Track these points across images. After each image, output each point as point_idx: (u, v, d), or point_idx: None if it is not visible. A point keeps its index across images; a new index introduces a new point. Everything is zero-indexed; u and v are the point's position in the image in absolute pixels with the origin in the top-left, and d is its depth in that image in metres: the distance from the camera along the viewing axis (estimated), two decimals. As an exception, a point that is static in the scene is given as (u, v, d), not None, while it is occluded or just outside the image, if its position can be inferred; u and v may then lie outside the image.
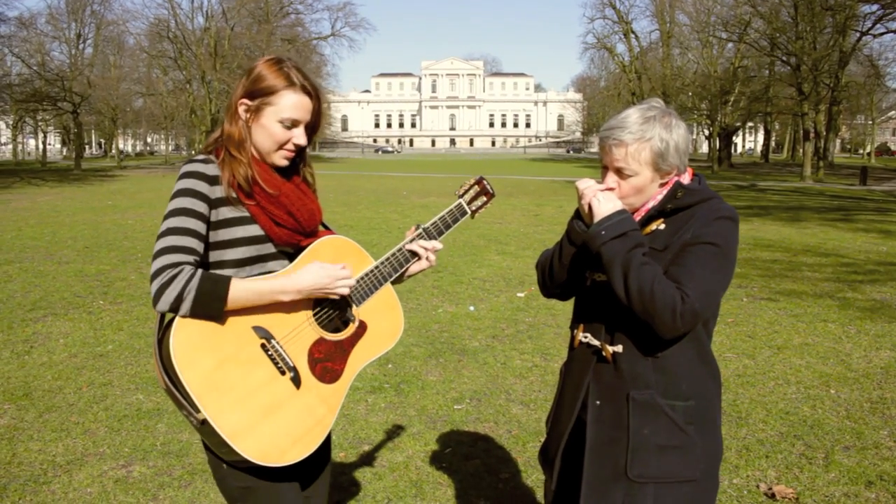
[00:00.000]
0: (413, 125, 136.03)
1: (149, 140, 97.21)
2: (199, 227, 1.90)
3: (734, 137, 69.62)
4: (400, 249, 2.22)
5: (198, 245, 1.88)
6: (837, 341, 6.61)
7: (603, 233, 1.92)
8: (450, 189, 27.91)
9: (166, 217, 1.90)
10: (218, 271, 1.94)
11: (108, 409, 4.91)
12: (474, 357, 6.12)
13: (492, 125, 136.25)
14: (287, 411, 1.91)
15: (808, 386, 5.40)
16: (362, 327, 2.12)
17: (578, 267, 2.14)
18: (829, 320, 7.36)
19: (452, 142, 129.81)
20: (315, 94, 2.05)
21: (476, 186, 2.40)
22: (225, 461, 1.95)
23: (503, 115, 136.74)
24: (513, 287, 9.01)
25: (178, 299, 1.78)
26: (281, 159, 2.04)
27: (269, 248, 2.02)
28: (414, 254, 2.23)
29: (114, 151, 69.08)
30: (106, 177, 41.04)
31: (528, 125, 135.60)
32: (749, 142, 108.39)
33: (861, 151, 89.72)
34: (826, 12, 37.35)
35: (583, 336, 2.11)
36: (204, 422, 1.78)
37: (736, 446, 4.32)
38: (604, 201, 1.96)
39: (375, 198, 23.81)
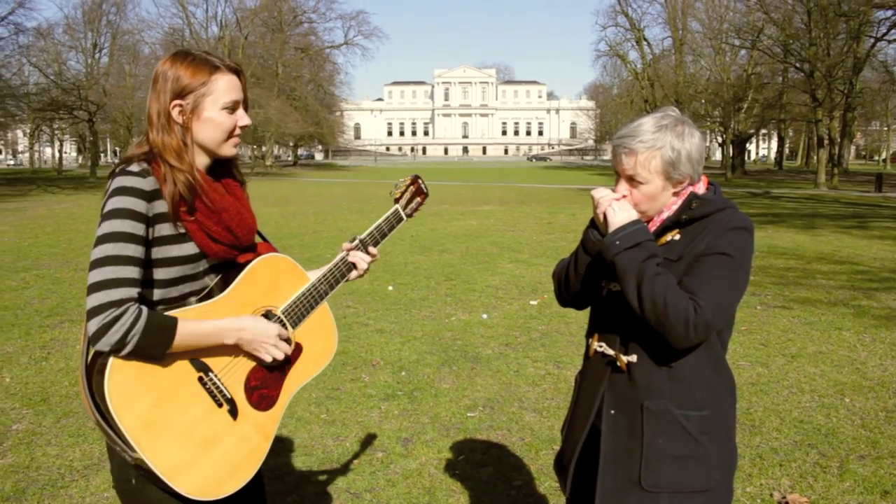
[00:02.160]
0: (426, 133, 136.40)
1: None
2: (139, 252, 1.76)
3: (747, 144, 69.34)
4: (337, 265, 2.17)
5: (139, 274, 1.76)
6: (852, 349, 6.57)
7: (617, 243, 1.93)
8: (464, 197, 27.96)
9: (101, 242, 1.74)
10: (153, 290, 1.86)
11: (125, 416, 4.95)
12: (487, 365, 6.13)
13: (504, 133, 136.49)
14: (224, 444, 1.87)
15: (823, 394, 5.38)
16: (297, 350, 2.07)
17: (594, 276, 2.15)
18: (844, 328, 7.32)
19: (465, 150, 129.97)
20: (240, 69, 1.96)
21: (412, 186, 2.41)
22: (137, 473, 1.83)
23: (516, 123, 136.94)
24: (526, 295, 9.01)
25: (122, 342, 1.67)
26: (230, 148, 1.96)
27: (202, 266, 1.93)
28: (353, 266, 2.20)
29: (116, 160, 69.48)
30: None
31: (540, 133, 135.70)
32: (763, 149, 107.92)
33: (876, 158, 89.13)
34: (839, 18, 37.16)
35: (598, 345, 2.12)
36: (139, 460, 1.73)
37: (749, 454, 4.30)
38: (619, 211, 1.97)
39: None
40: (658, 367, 1.99)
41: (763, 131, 75.84)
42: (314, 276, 2.14)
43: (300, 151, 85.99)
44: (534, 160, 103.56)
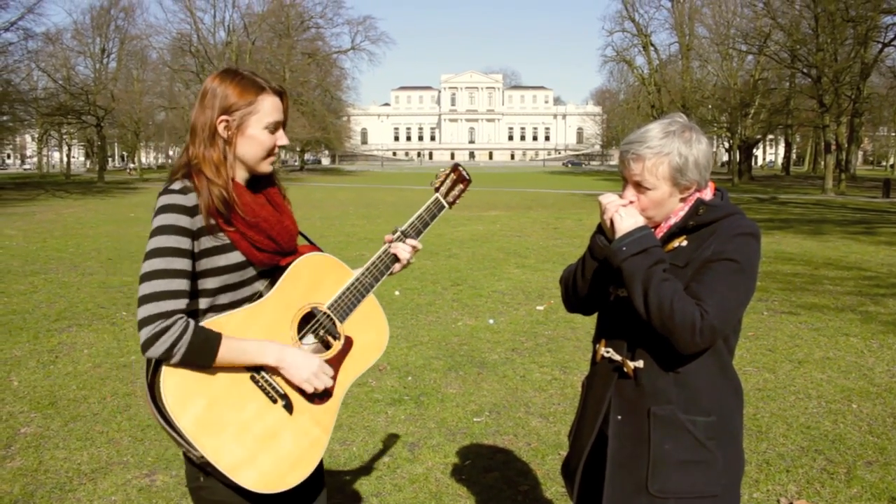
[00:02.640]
0: (432, 138, 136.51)
1: (171, 153, 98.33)
2: (186, 265, 1.86)
3: (754, 150, 69.14)
4: (380, 257, 2.19)
5: (187, 286, 1.86)
6: (859, 355, 6.55)
7: (624, 248, 1.94)
8: (471, 202, 27.97)
9: (150, 256, 1.84)
10: (199, 300, 1.93)
11: (132, 419, 4.97)
12: (494, 370, 6.13)
13: (511, 138, 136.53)
14: (283, 438, 1.93)
15: (830, 400, 5.36)
16: (348, 343, 2.11)
17: (601, 282, 2.15)
18: (851, 334, 7.30)
19: (471, 154, 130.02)
20: (284, 91, 2.05)
21: (452, 175, 2.38)
22: (204, 473, 1.93)
23: (522, 129, 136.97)
24: (532, 300, 9.01)
25: (169, 352, 1.77)
26: (268, 165, 2.04)
27: (250, 273, 2.00)
28: (396, 258, 2.22)
29: (131, 164, 69.88)
30: (128, 189, 41.51)
31: (547, 138, 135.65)
32: (770, 154, 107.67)
33: (884, 163, 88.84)
34: (847, 24, 37.09)
35: (605, 351, 2.12)
36: (203, 457, 1.81)
37: (756, 460, 4.30)
38: (626, 217, 1.98)
39: (395, 210, 23.90)
40: (665, 372, 1.99)
41: (770, 137, 75.66)
42: (358, 272, 2.17)
43: (307, 156, 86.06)
44: (569, 165, 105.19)
